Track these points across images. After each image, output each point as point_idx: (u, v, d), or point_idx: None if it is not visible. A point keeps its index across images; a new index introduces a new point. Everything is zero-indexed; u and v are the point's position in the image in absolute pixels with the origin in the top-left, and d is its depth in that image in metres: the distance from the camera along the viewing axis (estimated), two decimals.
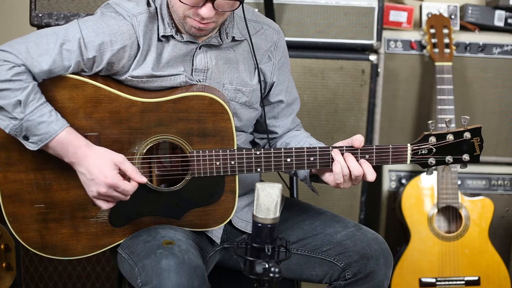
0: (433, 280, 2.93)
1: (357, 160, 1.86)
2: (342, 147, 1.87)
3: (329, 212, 2.09)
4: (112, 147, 1.84)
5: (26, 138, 1.77)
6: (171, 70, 1.91)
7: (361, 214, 3.00)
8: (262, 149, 1.87)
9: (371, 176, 1.86)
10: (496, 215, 3.02)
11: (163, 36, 1.89)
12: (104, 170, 1.77)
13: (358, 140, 1.86)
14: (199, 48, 1.94)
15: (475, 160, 1.89)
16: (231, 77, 1.98)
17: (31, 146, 1.78)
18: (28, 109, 1.73)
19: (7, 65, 1.74)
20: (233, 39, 1.98)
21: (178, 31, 1.91)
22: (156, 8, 1.90)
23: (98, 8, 1.93)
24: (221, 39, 1.96)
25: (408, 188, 2.97)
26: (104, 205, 1.82)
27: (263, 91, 2.05)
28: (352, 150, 1.86)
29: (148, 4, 1.90)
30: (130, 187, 1.79)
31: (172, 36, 1.90)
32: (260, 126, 2.13)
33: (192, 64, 1.94)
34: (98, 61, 1.84)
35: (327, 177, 1.92)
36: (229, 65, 1.98)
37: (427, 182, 2.95)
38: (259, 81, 2.03)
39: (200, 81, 1.95)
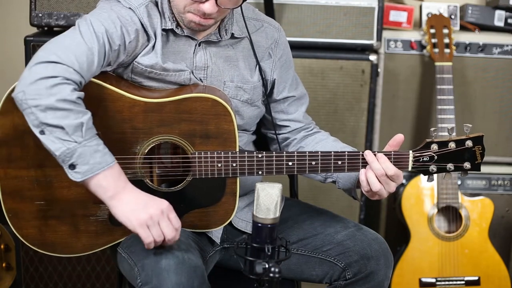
0: (433, 280, 2.93)
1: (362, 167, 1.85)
2: (374, 152, 1.85)
3: (329, 212, 2.10)
4: (114, 146, 1.84)
5: (72, 166, 1.67)
6: (175, 65, 1.91)
7: (361, 214, 3.00)
8: (264, 152, 1.87)
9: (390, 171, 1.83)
10: (496, 215, 3.02)
11: (163, 29, 1.90)
12: (157, 200, 1.73)
13: (397, 138, 1.86)
14: (199, 45, 1.94)
15: (476, 168, 1.89)
16: (231, 74, 1.99)
17: (75, 176, 1.68)
18: (88, 135, 1.67)
19: (70, 85, 1.67)
20: (232, 36, 1.98)
21: (178, 25, 1.91)
22: (157, 2, 1.91)
23: (102, 3, 1.91)
24: (220, 35, 1.96)
25: (408, 188, 2.97)
26: (149, 239, 1.72)
27: (264, 88, 2.05)
28: (354, 155, 1.86)
29: None
30: (177, 227, 1.74)
31: (172, 30, 1.91)
32: (269, 123, 2.12)
33: (193, 62, 1.94)
34: (122, 50, 1.82)
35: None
36: (229, 63, 1.98)
37: (427, 182, 2.95)
38: (262, 79, 2.03)
39: (201, 80, 1.95)
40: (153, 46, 1.88)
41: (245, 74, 2.01)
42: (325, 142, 2.07)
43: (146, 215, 1.70)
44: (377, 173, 1.82)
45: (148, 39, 1.87)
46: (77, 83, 1.70)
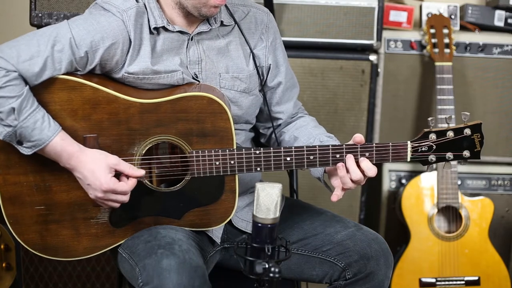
0: (433, 280, 2.93)
1: (358, 159, 1.85)
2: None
3: (329, 212, 2.09)
4: (111, 148, 1.84)
5: (20, 143, 1.78)
6: (167, 64, 1.91)
7: (361, 214, 3.00)
8: (261, 149, 1.87)
9: (371, 172, 1.85)
10: (496, 215, 3.02)
11: (154, 28, 1.90)
12: (98, 176, 1.78)
13: (358, 137, 1.86)
14: (191, 39, 1.95)
15: (475, 156, 1.88)
16: (226, 66, 1.99)
17: (25, 150, 1.79)
18: (22, 116, 1.74)
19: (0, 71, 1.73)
20: (222, 24, 1.99)
21: (168, 22, 1.92)
22: (144, 4, 1.91)
23: (89, 8, 1.93)
24: (209, 24, 1.97)
25: (408, 188, 2.97)
26: (105, 206, 1.85)
27: (261, 76, 2.05)
28: (352, 147, 1.86)
29: (137, 0, 1.91)
30: (127, 187, 1.81)
31: (163, 28, 1.91)
32: (262, 115, 2.13)
33: (187, 57, 1.94)
34: (91, 59, 1.84)
35: (333, 181, 1.92)
36: (222, 54, 1.99)
37: (427, 182, 2.95)
38: (255, 67, 2.03)
39: (196, 74, 1.95)
40: (138, 51, 1.88)
41: (239, 63, 2.01)
42: (303, 129, 2.09)
43: (93, 196, 1.82)
44: (356, 178, 1.85)
45: (130, 45, 1.87)
46: (8, 69, 1.74)
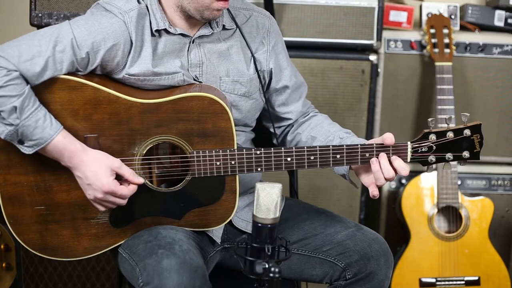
0: (433, 280, 2.93)
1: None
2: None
3: (330, 212, 2.09)
4: (112, 148, 1.84)
5: (21, 142, 1.78)
6: (168, 66, 1.91)
7: (361, 214, 3.00)
8: (262, 149, 1.87)
9: (404, 171, 1.84)
10: (496, 215, 3.02)
11: (156, 30, 1.90)
12: (101, 177, 1.78)
13: (389, 138, 1.85)
14: (192, 42, 1.95)
15: (475, 157, 1.89)
16: (227, 69, 1.99)
17: (26, 150, 1.78)
18: (24, 114, 1.74)
19: (1, 71, 1.73)
20: (224, 28, 1.99)
21: (170, 24, 1.92)
22: (146, 5, 1.91)
23: (88, 9, 1.93)
24: (211, 27, 1.97)
25: (408, 188, 2.97)
26: (102, 208, 1.85)
27: (262, 80, 2.05)
28: (352, 148, 1.86)
29: (138, 1, 1.91)
30: (127, 191, 1.81)
31: (165, 30, 1.91)
32: (272, 116, 2.13)
33: (188, 60, 1.94)
34: (92, 59, 1.84)
35: (364, 178, 1.92)
36: (223, 57, 1.99)
37: (427, 182, 2.95)
38: (256, 71, 2.03)
39: (197, 77, 1.95)
40: (140, 53, 1.88)
41: (240, 67, 2.01)
42: (319, 128, 2.08)
43: (91, 196, 1.82)
44: (389, 176, 1.84)
45: (131, 46, 1.87)
46: (10, 68, 1.73)
